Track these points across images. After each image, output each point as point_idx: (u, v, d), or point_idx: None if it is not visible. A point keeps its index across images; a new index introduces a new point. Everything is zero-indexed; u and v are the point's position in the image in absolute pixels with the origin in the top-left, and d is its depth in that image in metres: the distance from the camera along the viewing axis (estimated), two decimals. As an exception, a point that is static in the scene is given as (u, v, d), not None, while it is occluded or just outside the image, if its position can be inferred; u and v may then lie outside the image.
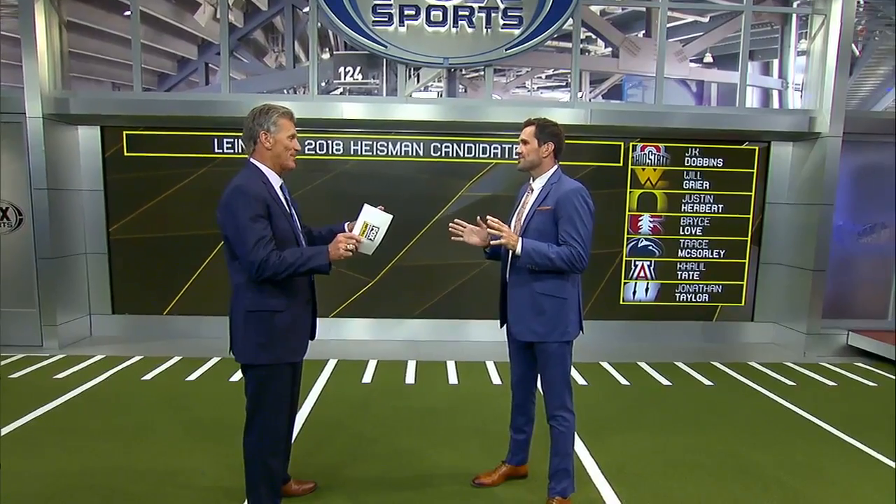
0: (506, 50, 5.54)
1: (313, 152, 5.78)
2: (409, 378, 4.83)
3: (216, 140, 5.69)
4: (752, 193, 6.04)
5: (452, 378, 4.85)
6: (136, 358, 5.18)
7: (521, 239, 2.60)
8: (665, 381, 4.87)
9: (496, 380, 4.83)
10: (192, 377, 4.74)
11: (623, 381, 4.87)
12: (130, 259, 5.84)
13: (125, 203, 5.77)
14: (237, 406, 4.04)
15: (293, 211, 2.49)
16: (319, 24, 5.59)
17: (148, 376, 4.73)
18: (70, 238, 5.62)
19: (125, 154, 5.69)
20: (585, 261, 2.57)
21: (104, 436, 3.57)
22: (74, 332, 5.70)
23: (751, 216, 6.07)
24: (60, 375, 4.68)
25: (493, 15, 5.44)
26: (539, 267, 2.58)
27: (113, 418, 3.85)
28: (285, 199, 2.45)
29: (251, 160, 2.40)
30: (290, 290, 2.39)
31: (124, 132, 5.66)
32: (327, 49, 10.34)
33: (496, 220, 2.62)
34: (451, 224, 2.80)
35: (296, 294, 2.42)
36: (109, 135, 5.67)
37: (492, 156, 5.88)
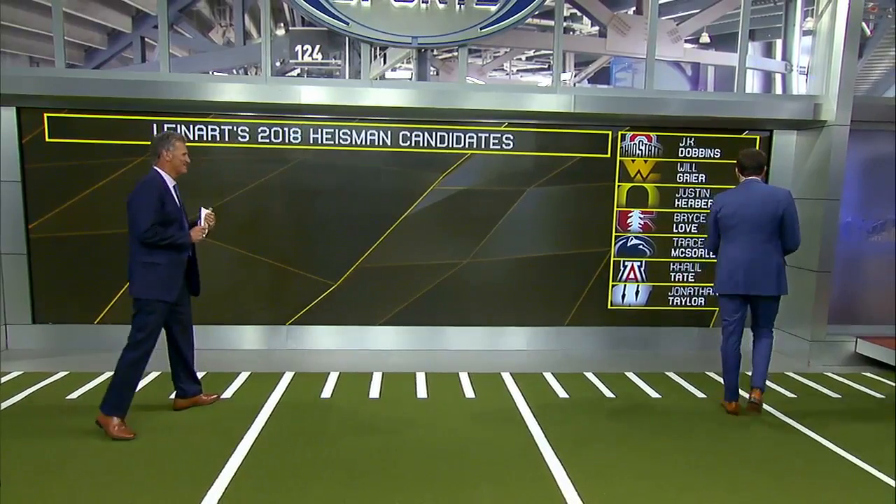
0: (480, 28, 5.48)
1: (267, 141, 5.63)
2: (374, 392, 4.75)
3: (154, 125, 5.50)
4: (753, 187, 6.08)
5: (422, 392, 4.79)
6: (61, 374, 5.00)
7: None
8: (654, 394, 4.87)
9: (469, 393, 4.79)
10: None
11: (608, 393, 4.85)
12: (55, 260, 5.63)
13: (48, 196, 5.55)
14: (187, 431, 3.97)
15: (181, 204, 4.04)
16: (272, -5, 5.48)
17: (74, 395, 4.56)
18: (-18, 236, 5.41)
19: (47, 140, 5.47)
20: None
21: (19, 470, 3.40)
22: (-12, 345, 5.50)
23: (751, 212, 6.10)
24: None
25: (466, -12, 5.38)
26: None
27: (28, 447, 3.67)
28: (176, 195, 3.99)
29: (155, 167, 3.91)
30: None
31: (45, 114, 5.44)
32: (282, 24, 10.11)
33: None
34: None
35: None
36: (28, 117, 5.44)
37: (467, 146, 5.80)
